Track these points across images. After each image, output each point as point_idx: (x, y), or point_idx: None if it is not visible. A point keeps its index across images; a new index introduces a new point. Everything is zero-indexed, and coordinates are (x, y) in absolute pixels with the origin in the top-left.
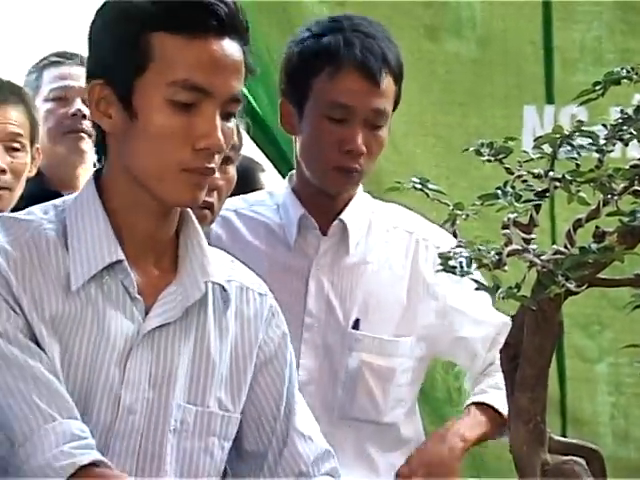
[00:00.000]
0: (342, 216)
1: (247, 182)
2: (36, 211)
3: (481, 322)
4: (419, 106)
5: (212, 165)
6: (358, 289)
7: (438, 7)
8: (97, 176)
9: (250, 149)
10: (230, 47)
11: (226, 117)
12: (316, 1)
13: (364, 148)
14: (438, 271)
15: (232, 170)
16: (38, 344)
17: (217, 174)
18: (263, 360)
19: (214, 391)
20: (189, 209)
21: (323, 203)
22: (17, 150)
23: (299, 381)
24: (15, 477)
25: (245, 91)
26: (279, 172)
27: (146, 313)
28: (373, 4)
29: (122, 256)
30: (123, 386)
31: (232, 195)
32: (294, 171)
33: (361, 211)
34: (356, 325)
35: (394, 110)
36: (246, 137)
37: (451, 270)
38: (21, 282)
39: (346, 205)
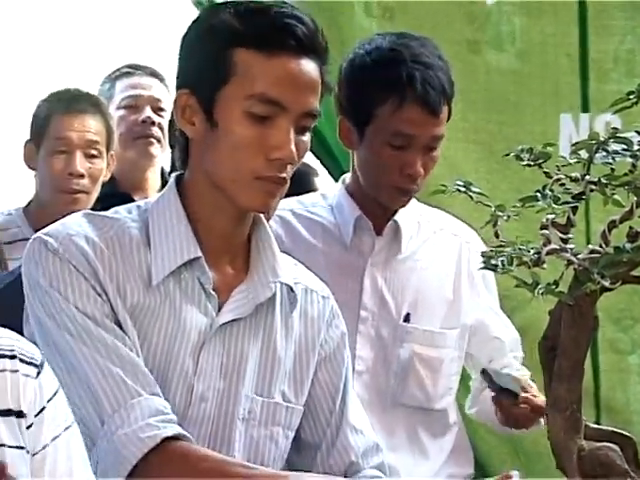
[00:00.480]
0: (396, 217)
1: (302, 185)
2: (121, 210)
3: (509, 326)
4: (461, 114)
5: (284, 175)
6: (409, 285)
7: (480, 22)
8: (178, 180)
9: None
10: (307, 66)
11: (301, 131)
12: (366, 16)
13: (422, 171)
14: (480, 269)
15: None
16: (122, 329)
17: None
18: (323, 357)
19: (279, 384)
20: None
21: (377, 206)
22: (94, 157)
23: (356, 370)
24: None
25: None
26: (331, 175)
27: (219, 309)
28: (420, 20)
29: (200, 254)
30: (196, 376)
31: (287, 196)
32: (348, 175)
33: (411, 213)
34: (407, 318)
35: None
36: None
37: (493, 268)
38: (107, 272)
39: (398, 208)
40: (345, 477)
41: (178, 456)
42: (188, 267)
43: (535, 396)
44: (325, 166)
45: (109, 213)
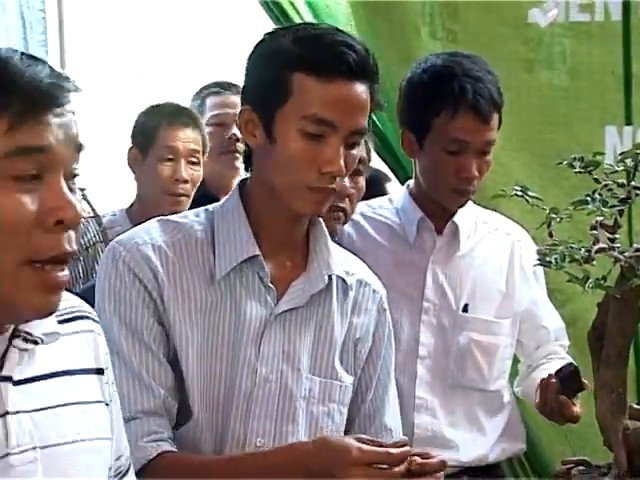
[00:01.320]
0: (454, 219)
1: (376, 189)
2: (189, 215)
3: (556, 316)
4: (516, 126)
5: (333, 186)
6: (466, 279)
7: (534, 44)
8: (241, 185)
9: (377, 162)
10: (357, 89)
11: (350, 146)
12: (432, 39)
13: (477, 173)
14: (536, 265)
15: (362, 180)
16: (168, 334)
17: (348, 183)
18: (368, 349)
19: (334, 365)
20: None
21: (438, 208)
22: (195, 164)
23: (419, 355)
24: None
25: (373, 116)
26: (398, 180)
27: (278, 300)
28: (480, 42)
29: (258, 252)
30: (259, 361)
31: (364, 199)
32: (411, 181)
33: (468, 215)
34: (465, 309)
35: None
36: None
37: (547, 264)
38: (171, 276)
39: (457, 210)
40: None
41: (162, 468)
42: (248, 263)
43: (575, 405)
44: (393, 172)
45: (179, 217)
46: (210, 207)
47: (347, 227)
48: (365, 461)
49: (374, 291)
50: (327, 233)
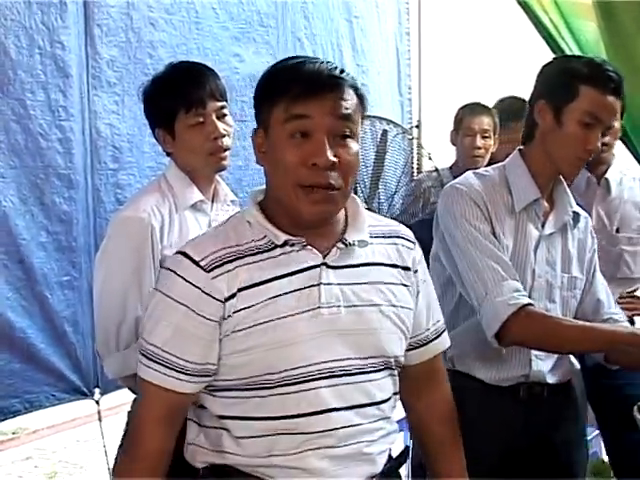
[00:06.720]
0: None
1: None
2: (489, 169)
3: None
4: None
5: (590, 157)
6: None
7: None
8: (521, 150)
9: None
10: (616, 101)
11: (607, 128)
12: None
13: None
14: None
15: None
16: (498, 240)
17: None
18: (587, 252)
19: (574, 266)
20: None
21: None
22: (487, 138)
23: None
24: (484, 311)
25: None
26: None
27: (542, 226)
28: None
29: (539, 195)
30: (535, 264)
31: None
32: None
33: None
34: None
35: None
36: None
37: None
38: (491, 207)
39: None
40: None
41: (533, 313)
42: (533, 203)
43: None
44: None
45: (483, 171)
46: (500, 166)
47: (628, 182)
48: None
49: (585, 217)
50: (564, 185)
